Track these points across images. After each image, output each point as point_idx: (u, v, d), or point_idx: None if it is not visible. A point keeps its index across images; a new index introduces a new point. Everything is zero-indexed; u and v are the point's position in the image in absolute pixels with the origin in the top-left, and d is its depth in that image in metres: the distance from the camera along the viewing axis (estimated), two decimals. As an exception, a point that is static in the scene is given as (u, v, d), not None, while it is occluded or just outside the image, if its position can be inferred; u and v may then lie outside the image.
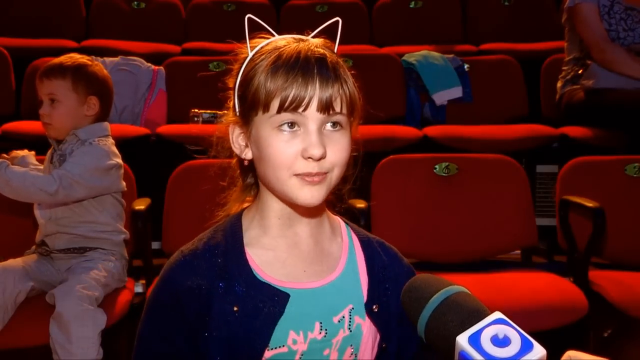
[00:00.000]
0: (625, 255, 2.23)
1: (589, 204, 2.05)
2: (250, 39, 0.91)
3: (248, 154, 0.92)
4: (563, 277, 2.04)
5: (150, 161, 2.67)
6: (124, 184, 1.98)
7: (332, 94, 0.85)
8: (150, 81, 3.14)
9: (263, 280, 0.90)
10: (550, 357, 0.66)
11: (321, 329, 0.90)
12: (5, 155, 1.94)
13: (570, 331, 1.81)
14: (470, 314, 0.70)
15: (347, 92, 0.87)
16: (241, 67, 0.91)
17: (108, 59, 3.15)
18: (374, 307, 0.93)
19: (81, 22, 3.95)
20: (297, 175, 0.86)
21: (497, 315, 0.68)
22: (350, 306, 0.93)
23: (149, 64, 3.18)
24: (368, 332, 0.93)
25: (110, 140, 1.95)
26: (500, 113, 3.26)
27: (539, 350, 0.64)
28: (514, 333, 0.66)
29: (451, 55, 3.35)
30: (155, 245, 2.22)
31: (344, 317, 0.92)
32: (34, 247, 1.94)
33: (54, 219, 1.88)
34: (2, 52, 3.15)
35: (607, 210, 2.00)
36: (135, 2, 4.00)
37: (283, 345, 0.89)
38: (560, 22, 3.08)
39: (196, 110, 2.93)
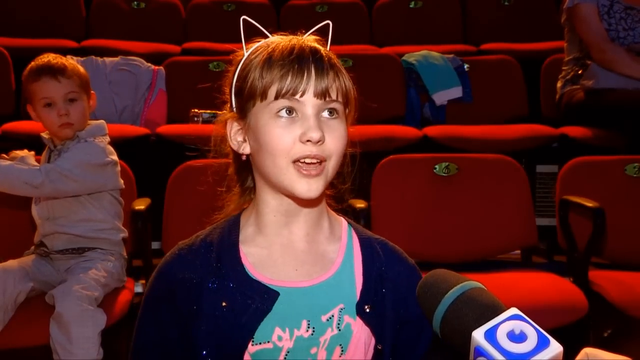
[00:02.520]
0: (625, 255, 2.23)
1: (589, 204, 2.05)
2: (246, 42, 0.94)
3: (246, 149, 0.94)
4: (563, 277, 2.04)
5: (150, 161, 2.67)
6: (122, 181, 1.97)
7: (327, 82, 0.88)
8: (150, 81, 3.14)
9: (254, 278, 0.92)
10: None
11: (308, 327, 0.91)
12: (5, 155, 1.93)
13: (570, 331, 1.81)
14: (487, 309, 0.70)
15: (342, 82, 0.90)
16: (237, 66, 0.93)
17: (108, 59, 3.16)
18: (366, 307, 0.93)
19: (81, 22, 3.95)
20: (295, 162, 0.87)
21: (514, 311, 0.68)
22: (341, 305, 0.93)
23: (149, 64, 3.18)
24: (359, 333, 0.92)
25: (107, 139, 1.95)
26: (500, 113, 3.26)
27: (555, 347, 0.64)
28: (530, 329, 0.65)
29: (451, 55, 3.35)
30: (155, 245, 2.22)
31: (332, 316, 0.92)
32: (32, 247, 1.94)
33: (51, 219, 1.88)
34: (2, 52, 3.15)
35: (607, 210, 2.00)
36: (135, 2, 4.00)
37: (268, 341, 0.89)
38: (560, 22, 3.08)
39: (196, 110, 2.93)
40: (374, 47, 3.83)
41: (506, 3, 4.09)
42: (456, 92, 3.23)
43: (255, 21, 0.93)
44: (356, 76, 0.93)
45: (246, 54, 0.93)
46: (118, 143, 2.01)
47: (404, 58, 3.35)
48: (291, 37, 0.93)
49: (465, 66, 3.33)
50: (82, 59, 3.09)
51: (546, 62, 3.33)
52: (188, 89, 3.16)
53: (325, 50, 0.91)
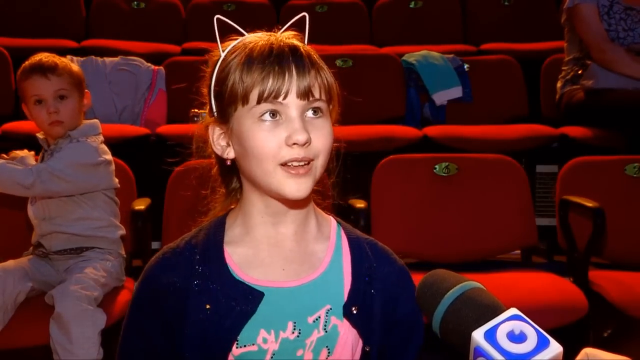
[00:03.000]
0: (625, 255, 2.23)
1: (589, 204, 2.05)
2: (221, 41, 0.92)
3: (230, 153, 0.92)
4: (563, 277, 2.04)
5: (150, 161, 2.67)
6: (117, 180, 1.97)
7: (309, 80, 0.86)
8: (150, 81, 3.14)
9: (239, 279, 0.90)
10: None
11: (294, 329, 0.89)
12: (5, 155, 1.93)
13: (570, 331, 1.81)
14: (486, 309, 0.70)
15: (324, 78, 0.88)
16: (214, 68, 0.91)
17: (108, 59, 3.16)
18: (353, 308, 0.91)
19: (81, 22, 3.95)
20: (283, 165, 0.85)
21: (513, 311, 0.68)
22: (328, 306, 0.91)
23: (149, 64, 3.18)
24: (346, 334, 0.91)
25: (101, 138, 1.94)
26: (500, 113, 3.26)
27: (555, 347, 0.64)
28: (530, 329, 0.65)
29: (451, 55, 3.35)
30: (155, 245, 2.22)
31: (319, 317, 0.90)
32: (31, 248, 1.94)
33: (48, 219, 1.87)
34: (2, 52, 3.15)
35: (607, 210, 2.00)
36: (135, 2, 4.00)
37: (253, 344, 0.88)
38: (560, 22, 3.08)
39: (196, 110, 2.93)
40: (374, 47, 3.82)
41: (506, 3, 4.09)
42: (456, 92, 3.23)
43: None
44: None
45: (223, 55, 0.90)
46: (118, 143, 2.01)
47: (404, 58, 3.35)
48: (268, 34, 0.90)
49: (465, 66, 3.32)
50: (82, 59, 3.09)
51: (546, 62, 3.33)
52: (188, 89, 3.16)
53: (304, 46, 0.89)
